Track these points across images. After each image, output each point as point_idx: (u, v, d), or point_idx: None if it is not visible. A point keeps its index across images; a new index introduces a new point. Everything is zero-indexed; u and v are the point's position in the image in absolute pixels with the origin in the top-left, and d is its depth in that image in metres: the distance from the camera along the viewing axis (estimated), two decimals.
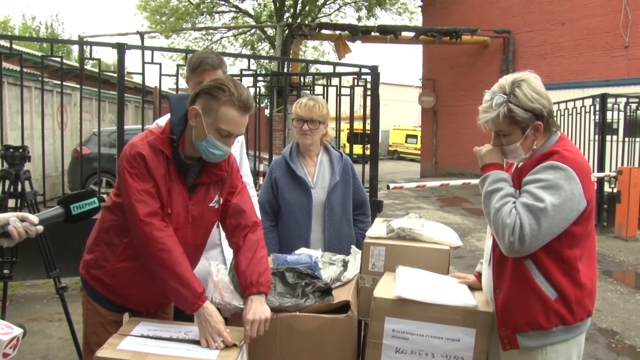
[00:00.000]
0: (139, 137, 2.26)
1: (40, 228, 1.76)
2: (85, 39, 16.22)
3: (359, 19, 23.25)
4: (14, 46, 5.91)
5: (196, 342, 2.08)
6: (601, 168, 10.07)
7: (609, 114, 10.33)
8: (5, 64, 6.19)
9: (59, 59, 6.24)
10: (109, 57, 23.56)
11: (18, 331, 1.51)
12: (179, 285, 2.13)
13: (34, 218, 1.74)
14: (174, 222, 2.25)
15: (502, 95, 2.14)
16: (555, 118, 2.27)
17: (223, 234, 3.10)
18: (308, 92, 6.93)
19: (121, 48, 5.70)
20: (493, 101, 2.16)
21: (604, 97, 10.24)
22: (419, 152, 25.93)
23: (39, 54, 9.71)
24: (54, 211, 1.84)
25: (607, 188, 10.11)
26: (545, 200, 1.99)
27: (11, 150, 4.48)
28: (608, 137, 10.34)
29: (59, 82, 6.45)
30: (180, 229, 2.28)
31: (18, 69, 6.64)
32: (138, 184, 2.15)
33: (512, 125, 2.16)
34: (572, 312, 2.11)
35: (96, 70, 6.28)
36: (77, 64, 7.76)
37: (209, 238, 3.11)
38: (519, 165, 2.32)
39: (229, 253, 3.08)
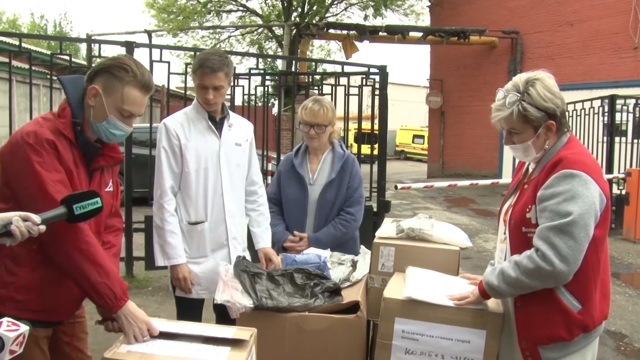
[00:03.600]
0: (32, 125, 2.09)
1: (43, 228, 1.73)
2: (93, 37, 16.28)
3: (366, 17, 23.19)
4: (23, 44, 5.92)
5: (205, 341, 2.06)
6: (609, 170, 10.01)
7: (617, 116, 10.27)
8: (14, 62, 6.22)
9: (67, 57, 6.25)
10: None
11: (24, 328, 1.51)
12: (107, 280, 2.03)
13: (36, 218, 1.71)
14: None
15: (515, 94, 2.13)
16: (567, 118, 2.25)
17: (230, 235, 3.11)
18: (316, 91, 6.93)
19: (130, 46, 5.71)
20: (506, 99, 2.14)
21: (612, 99, 10.18)
22: (425, 152, 25.87)
23: (48, 52, 9.75)
24: (57, 211, 1.80)
25: (615, 190, 10.05)
26: (573, 212, 1.96)
27: None
28: (617, 139, 10.27)
29: None
30: None
31: (27, 67, 6.66)
32: (52, 174, 2.01)
33: (524, 123, 2.14)
34: (593, 318, 2.10)
35: None
36: (85, 62, 7.78)
37: (218, 239, 3.12)
38: (530, 169, 2.31)
39: (235, 254, 3.09)
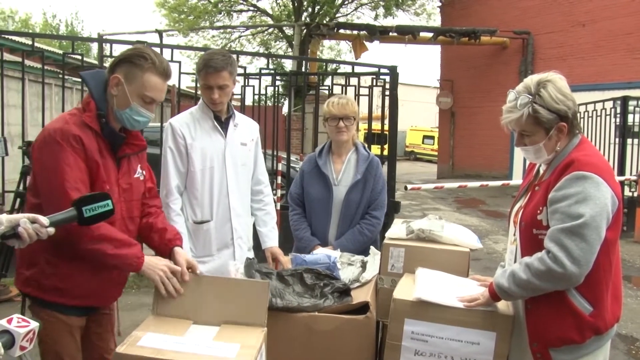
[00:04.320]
0: (59, 122, 2.22)
1: (52, 230, 1.75)
2: (104, 37, 16.36)
3: (376, 17, 23.15)
4: (36, 44, 5.96)
5: (215, 337, 2.07)
6: (621, 172, 9.93)
7: (630, 117, 10.18)
8: (26, 62, 6.26)
9: (79, 57, 6.29)
10: None
11: (34, 325, 1.52)
12: (125, 248, 2.20)
13: (44, 220, 1.72)
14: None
15: (527, 96, 2.12)
16: (578, 120, 2.24)
17: (236, 234, 3.12)
18: (326, 92, 6.93)
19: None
20: (518, 101, 2.13)
21: (625, 100, 10.10)
22: (435, 153, 25.82)
23: (60, 51, 9.81)
24: (66, 213, 1.81)
25: (627, 192, 9.96)
26: (585, 214, 1.95)
27: None
28: (629, 141, 10.20)
29: (78, 80, 6.51)
30: (116, 204, 2.23)
31: (39, 66, 6.71)
32: (74, 172, 2.14)
33: (536, 125, 2.13)
34: (605, 321, 2.08)
35: None
36: (96, 62, 7.81)
37: (223, 238, 3.13)
38: (541, 170, 2.30)
39: (240, 253, 3.11)
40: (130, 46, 6.07)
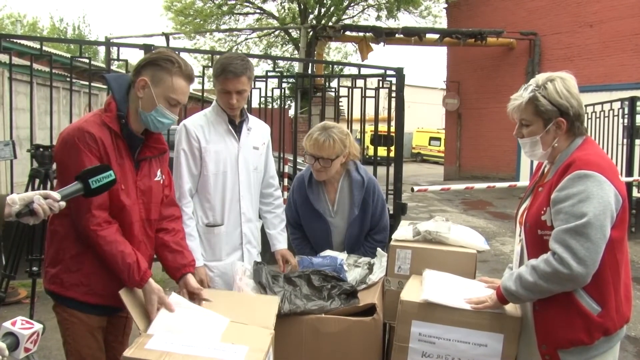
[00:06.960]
0: (78, 122, 2.29)
1: (63, 204, 1.81)
2: (112, 41, 16.42)
3: (378, 17, 23.09)
4: (44, 48, 5.99)
5: (223, 339, 2.08)
6: (630, 173, 9.86)
7: (638, 118, 10.11)
8: (34, 65, 6.29)
9: (87, 60, 6.32)
10: (135, 58, 23.70)
11: (38, 327, 1.54)
12: (136, 256, 2.27)
13: (56, 194, 1.79)
14: (127, 199, 2.30)
15: (534, 86, 2.17)
16: (584, 123, 2.24)
17: (245, 239, 3.12)
18: (332, 93, 6.92)
19: (148, 49, 5.74)
20: (525, 91, 2.18)
21: (633, 100, 10.02)
22: (442, 154, 25.77)
23: (67, 55, 9.86)
24: (74, 186, 1.87)
25: (635, 193, 9.90)
26: (588, 213, 1.95)
27: (41, 149, 4.57)
28: (637, 141, 10.11)
29: (86, 83, 6.54)
30: (133, 205, 2.34)
31: (47, 69, 6.74)
32: (93, 163, 2.17)
33: (535, 115, 2.17)
34: (614, 321, 2.07)
35: (123, 71, 6.35)
36: (104, 65, 7.85)
37: (233, 243, 3.12)
38: (545, 171, 2.29)
39: (248, 257, 3.11)
40: (138, 49, 6.09)
